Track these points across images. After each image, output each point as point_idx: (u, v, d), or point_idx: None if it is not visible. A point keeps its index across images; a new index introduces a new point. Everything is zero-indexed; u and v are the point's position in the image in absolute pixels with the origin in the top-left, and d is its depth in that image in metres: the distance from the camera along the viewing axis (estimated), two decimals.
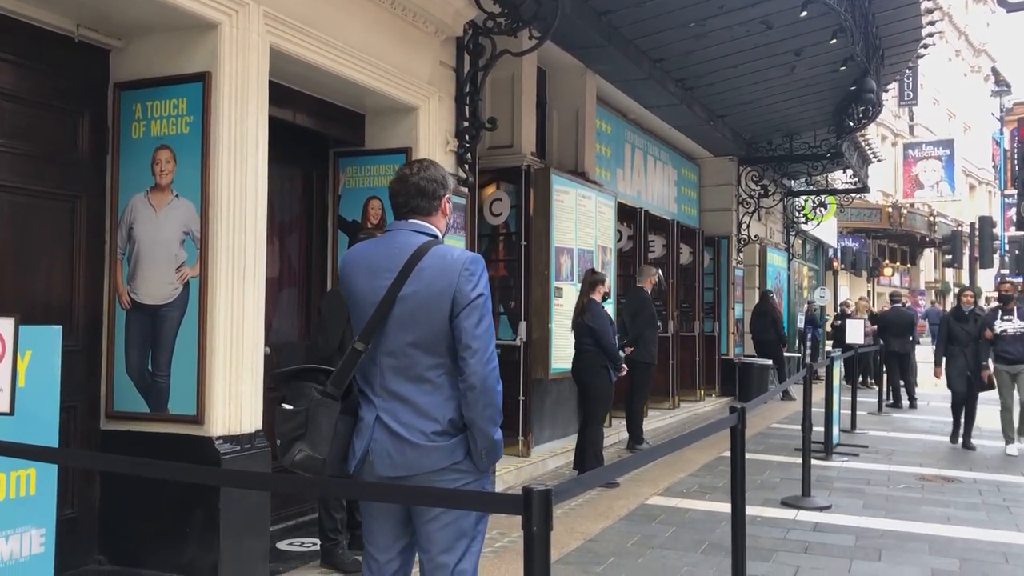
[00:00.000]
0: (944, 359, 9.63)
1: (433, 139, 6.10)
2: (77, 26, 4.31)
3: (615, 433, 9.11)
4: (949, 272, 40.09)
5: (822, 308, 19.33)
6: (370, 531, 2.80)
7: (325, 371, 2.69)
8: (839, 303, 19.01)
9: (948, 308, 21.21)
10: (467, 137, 6.47)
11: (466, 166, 6.51)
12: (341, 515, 4.85)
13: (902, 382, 13.70)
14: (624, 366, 7.44)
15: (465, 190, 6.52)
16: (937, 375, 9.73)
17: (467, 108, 6.48)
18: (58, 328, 3.57)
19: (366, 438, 2.64)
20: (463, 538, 2.66)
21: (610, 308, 8.79)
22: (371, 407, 2.66)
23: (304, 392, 2.64)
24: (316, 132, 5.84)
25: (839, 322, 17.15)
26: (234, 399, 4.35)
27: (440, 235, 2.79)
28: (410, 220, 2.75)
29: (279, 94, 5.04)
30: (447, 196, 2.82)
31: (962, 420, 9.55)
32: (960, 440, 9.58)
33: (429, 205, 2.76)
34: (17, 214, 4.11)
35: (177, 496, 4.19)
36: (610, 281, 9.28)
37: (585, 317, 7.15)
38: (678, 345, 12.07)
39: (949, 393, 9.85)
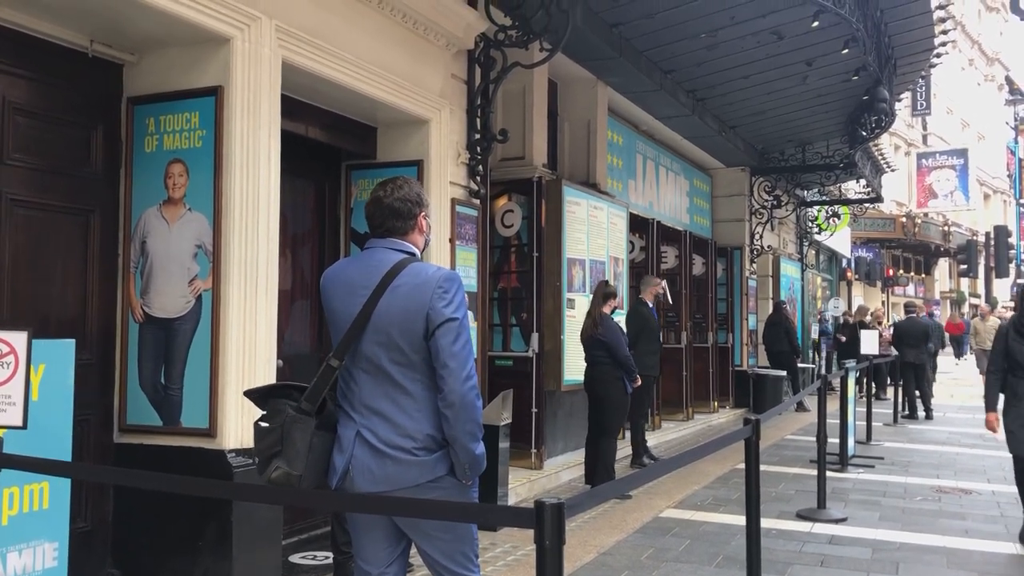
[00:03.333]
0: (1002, 399, 5.84)
1: (445, 151, 6.11)
2: (91, 42, 4.34)
3: (627, 445, 9.06)
4: (964, 282, 39.85)
5: (835, 319, 19.21)
6: (359, 545, 2.81)
7: (299, 388, 2.70)
8: (841, 313, 18.88)
9: (964, 317, 20.92)
10: (479, 149, 6.48)
11: (478, 178, 6.52)
12: None
13: (917, 392, 13.59)
14: (639, 377, 7.40)
15: (477, 202, 6.53)
16: (992, 425, 5.93)
17: (478, 120, 6.49)
18: (71, 342, 3.59)
19: (347, 454, 2.65)
20: (463, 544, 2.71)
21: (620, 320, 8.77)
22: (351, 423, 2.68)
23: (279, 409, 2.64)
24: (328, 145, 5.86)
25: (840, 334, 17.03)
26: (246, 412, 4.35)
27: (418, 252, 2.83)
28: (387, 238, 2.79)
29: (291, 107, 5.06)
30: (423, 213, 2.85)
31: None
32: None
33: (404, 225, 2.80)
34: (31, 228, 4.13)
35: (190, 509, 4.18)
36: (622, 292, 9.27)
37: (598, 331, 7.13)
38: (692, 356, 12.03)
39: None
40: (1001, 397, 5.86)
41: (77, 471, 3.70)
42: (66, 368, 3.51)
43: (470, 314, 5.12)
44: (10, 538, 3.27)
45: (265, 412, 2.68)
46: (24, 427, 3.04)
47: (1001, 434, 5.82)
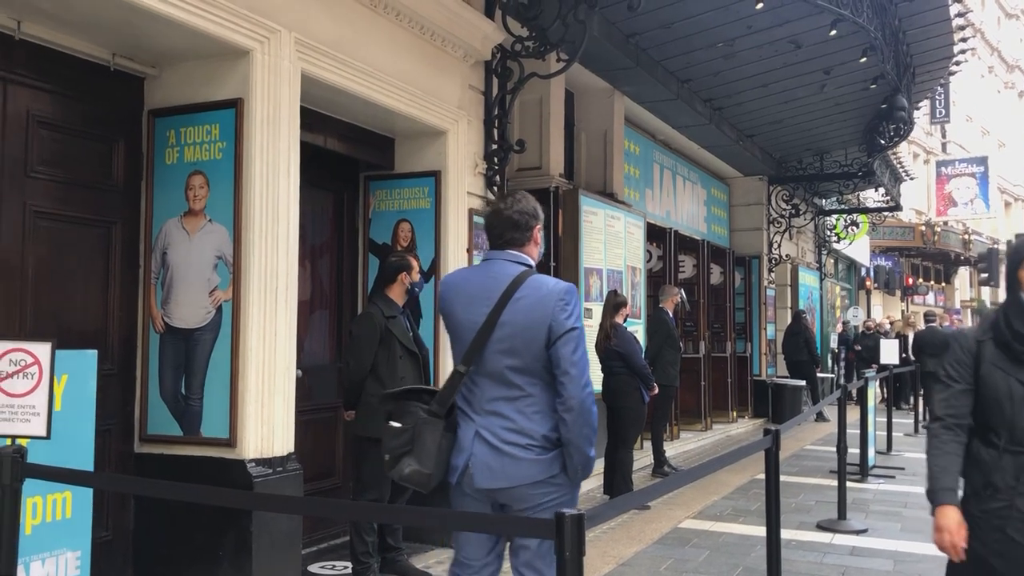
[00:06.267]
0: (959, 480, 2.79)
1: (462, 162, 6.13)
2: (113, 55, 4.39)
3: (646, 456, 9.03)
4: (985, 291, 39.47)
5: (856, 328, 19.07)
6: (460, 543, 2.99)
7: (430, 391, 2.96)
8: (861, 323, 18.75)
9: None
10: (496, 160, 6.50)
11: (495, 188, 6.53)
12: (372, 538, 4.84)
13: None
14: (655, 385, 7.40)
15: None
16: (951, 538, 2.67)
17: (496, 131, 6.51)
18: (94, 352, 3.62)
19: (466, 452, 2.84)
20: (539, 560, 2.84)
21: (638, 329, 8.76)
22: (470, 424, 2.87)
23: (410, 411, 2.87)
24: (346, 156, 5.89)
25: (861, 345, 16.91)
26: (266, 422, 4.37)
27: (534, 264, 3.00)
28: (505, 250, 2.96)
29: (310, 119, 5.09)
30: (538, 226, 3.03)
31: None
32: None
33: (522, 236, 2.97)
34: (54, 240, 4.18)
35: (210, 519, 4.20)
36: (640, 301, 9.25)
37: (612, 342, 7.12)
38: (710, 366, 11.98)
39: None
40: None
41: (100, 481, 3.73)
42: (88, 378, 3.54)
43: None
44: (34, 547, 3.30)
45: (391, 412, 2.90)
46: (47, 437, 3.07)
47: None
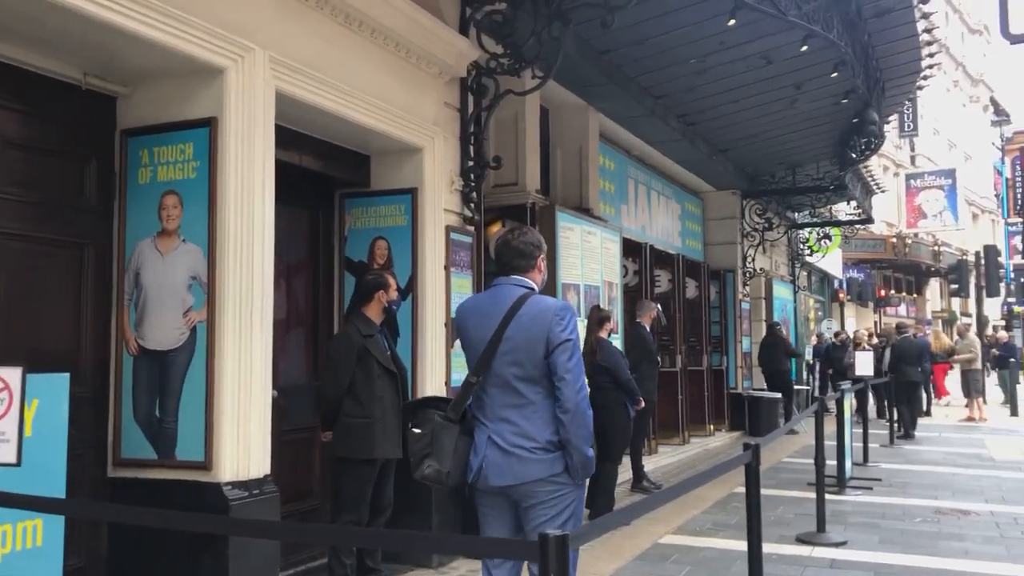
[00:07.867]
0: None
1: (439, 179, 6.11)
2: (84, 74, 4.34)
3: (624, 471, 9.01)
4: (956, 301, 39.99)
5: (829, 340, 19.20)
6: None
7: (445, 400, 3.35)
8: (834, 335, 18.91)
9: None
10: (472, 176, 6.49)
11: (471, 205, 6.52)
12: (351, 560, 4.78)
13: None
14: (642, 400, 7.38)
15: (471, 228, 6.53)
16: None
17: (472, 147, 6.50)
18: (66, 376, 3.55)
19: (480, 455, 3.19)
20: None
21: (618, 343, 8.75)
22: (483, 429, 3.22)
23: (428, 417, 3.20)
24: (322, 174, 5.86)
25: (832, 357, 17.04)
26: (242, 444, 4.32)
27: (536, 287, 3.36)
28: (511, 276, 3.34)
29: (285, 137, 5.06)
30: (542, 256, 3.43)
31: None
32: None
33: (527, 264, 3.37)
34: (25, 262, 4.11)
35: (185, 543, 4.13)
36: (617, 316, 9.26)
37: (597, 356, 7.10)
38: (686, 380, 12.01)
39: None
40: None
41: (71, 508, 3.65)
42: (60, 403, 3.47)
43: None
44: None
45: (413, 420, 3.23)
46: (18, 464, 3.00)
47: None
